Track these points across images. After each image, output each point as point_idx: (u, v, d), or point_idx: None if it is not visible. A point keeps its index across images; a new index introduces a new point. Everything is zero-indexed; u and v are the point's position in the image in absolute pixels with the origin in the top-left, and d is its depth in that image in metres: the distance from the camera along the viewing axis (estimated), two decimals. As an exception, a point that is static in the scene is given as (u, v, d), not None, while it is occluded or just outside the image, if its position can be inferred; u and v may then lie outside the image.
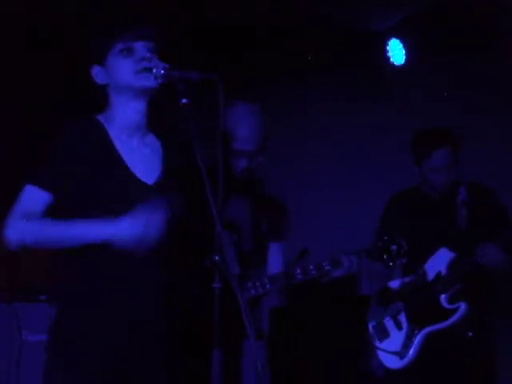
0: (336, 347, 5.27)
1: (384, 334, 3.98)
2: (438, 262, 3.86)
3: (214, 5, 4.82)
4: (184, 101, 2.39)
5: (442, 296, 3.81)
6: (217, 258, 2.38)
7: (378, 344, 3.99)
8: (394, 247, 3.28)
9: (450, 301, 3.80)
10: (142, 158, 2.67)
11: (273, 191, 3.42)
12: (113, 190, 2.59)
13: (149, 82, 2.58)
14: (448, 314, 3.80)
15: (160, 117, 2.80)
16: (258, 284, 3.20)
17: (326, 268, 3.20)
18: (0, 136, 5.63)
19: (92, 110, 2.71)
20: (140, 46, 2.64)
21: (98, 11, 4.79)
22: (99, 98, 2.71)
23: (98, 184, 2.58)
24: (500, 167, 4.42)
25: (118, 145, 2.64)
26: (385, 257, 3.29)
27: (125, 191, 2.60)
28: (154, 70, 2.49)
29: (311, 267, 3.21)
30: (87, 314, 2.60)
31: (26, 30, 5.02)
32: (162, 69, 2.47)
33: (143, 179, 2.64)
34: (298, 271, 3.22)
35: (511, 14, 4.75)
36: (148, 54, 2.61)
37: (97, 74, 2.68)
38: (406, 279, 3.95)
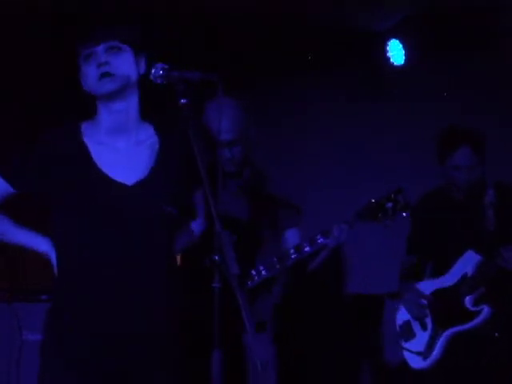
0: (339, 342, 5.29)
1: (410, 333, 3.98)
2: (465, 265, 3.85)
3: (214, 5, 4.82)
4: (183, 101, 2.40)
5: (467, 298, 3.81)
6: (217, 258, 2.38)
7: (403, 344, 3.99)
8: (389, 204, 3.27)
9: (475, 303, 3.80)
10: (126, 159, 2.66)
11: (276, 189, 3.44)
12: (85, 194, 2.61)
13: (110, 86, 2.60)
14: (471, 316, 3.80)
15: (160, 114, 2.80)
16: (261, 268, 3.23)
17: (319, 241, 3.23)
18: (0, 135, 5.63)
19: (90, 111, 2.72)
20: (100, 50, 2.62)
21: (98, 11, 4.80)
22: (89, 103, 2.72)
23: (71, 190, 2.61)
24: (500, 167, 4.41)
25: (95, 149, 2.64)
26: (379, 215, 3.27)
27: (97, 194, 2.61)
28: (153, 71, 2.49)
29: (305, 244, 3.24)
30: (80, 314, 2.60)
31: (27, 29, 5.02)
32: (161, 69, 2.47)
33: (121, 180, 2.62)
34: (292, 251, 3.25)
35: (511, 14, 4.75)
36: (104, 59, 2.60)
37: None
38: (435, 283, 3.95)
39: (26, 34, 5.06)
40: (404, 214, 3.29)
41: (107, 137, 2.67)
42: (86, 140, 2.67)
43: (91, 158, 2.63)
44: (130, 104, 2.67)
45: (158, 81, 2.47)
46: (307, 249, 3.25)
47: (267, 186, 3.42)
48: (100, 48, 2.61)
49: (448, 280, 3.90)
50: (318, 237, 3.25)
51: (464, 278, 3.84)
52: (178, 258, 3.41)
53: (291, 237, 3.44)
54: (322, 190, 5.65)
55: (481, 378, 3.83)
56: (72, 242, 2.64)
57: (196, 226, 2.91)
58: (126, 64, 2.63)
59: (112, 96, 2.62)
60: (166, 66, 2.46)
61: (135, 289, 2.59)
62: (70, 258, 2.64)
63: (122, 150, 2.66)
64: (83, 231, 2.61)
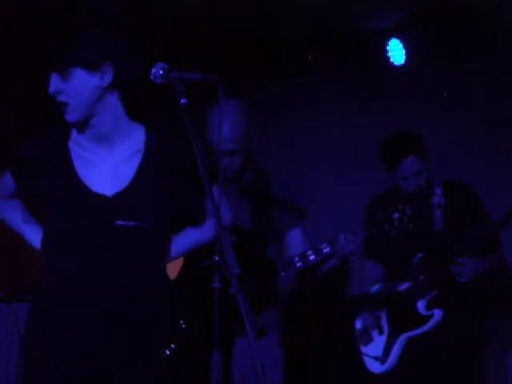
0: (339, 343, 5.28)
1: (368, 338, 3.97)
2: (416, 268, 3.84)
3: (214, 4, 4.82)
4: (183, 101, 2.40)
5: (419, 302, 3.80)
6: (217, 258, 2.38)
7: (362, 349, 3.98)
8: (396, 215, 3.24)
9: (427, 307, 3.78)
10: (108, 170, 2.66)
11: (279, 190, 3.42)
12: (65, 204, 2.63)
13: (71, 117, 2.62)
14: (424, 320, 3.79)
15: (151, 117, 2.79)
16: (285, 264, 3.21)
17: (325, 251, 3.20)
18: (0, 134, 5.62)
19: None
20: (54, 79, 2.62)
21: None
22: None
23: (52, 195, 2.63)
24: (499, 167, 4.41)
25: (77, 155, 2.66)
26: (386, 227, 3.24)
27: (75, 205, 2.62)
28: (154, 71, 2.49)
29: (309, 252, 3.21)
30: (57, 317, 2.62)
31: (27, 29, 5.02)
32: (162, 69, 2.46)
33: (101, 191, 2.62)
34: (296, 259, 3.22)
35: (511, 14, 4.75)
36: (56, 88, 2.59)
37: None
38: (388, 285, 3.93)
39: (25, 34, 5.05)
40: (410, 225, 3.27)
41: (90, 144, 2.68)
42: (70, 145, 2.68)
43: (73, 166, 2.65)
44: (104, 117, 2.66)
45: (158, 81, 2.47)
46: (312, 257, 3.22)
47: (270, 187, 3.40)
48: (53, 76, 2.61)
49: (401, 284, 3.89)
50: (324, 246, 3.21)
51: (416, 282, 3.82)
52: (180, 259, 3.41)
53: (294, 237, 3.41)
54: (321, 190, 5.64)
55: (436, 382, 3.81)
56: (51, 245, 2.68)
57: (207, 229, 2.84)
58: (78, 88, 2.60)
59: (79, 123, 2.64)
60: (167, 66, 2.46)
61: (109, 297, 2.60)
62: (49, 261, 2.68)
63: (103, 161, 2.67)
64: (61, 238, 2.65)
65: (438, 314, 3.76)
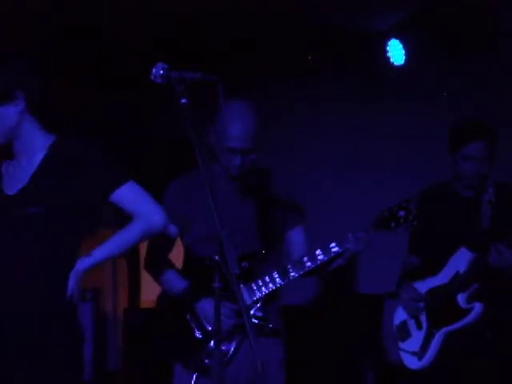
0: (340, 343, 5.29)
1: (406, 333, 3.97)
2: (457, 262, 3.85)
3: (214, 4, 4.82)
4: (183, 101, 2.40)
5: (460, 296, 3.80)
6: (217, 257, 2.38)
7: (400, 344, 3.97)
8: (401, 213, 3.23)
9: (468, 301, 3.79)
10: (16, 177, 2.88)
11: (280, 190, 3.43)
12: None
13: None
14: (464, 313, 3.79)
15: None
16: (275, 275, 3.21)
17: (334, 250, 3.19)
18: None
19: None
20: None
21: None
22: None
23: None
24: (499, 167, 4.40)
25: (5, 169, 2.93)
26: (392, 225, 3.23)
27: None
28: (154, 71, 2.49)
29: (318, 252, 3.21)
30: None
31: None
32: (162, 69, 2.47)
33: (6, 192, 2.87)
34: (305, 259, 3.22)
35: (511, 14, 4.76)
36: None
37: None
38: (431, 282, 3.94)
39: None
40: (415, 223, 3.27)
41: (10, 160, 2.94)
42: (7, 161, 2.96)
43: (2, 178, 2.92)
44: (21, 137, 2.87)
45: (158, 80, 2.47)
46: (321, 257, 3.21)
47: (271, 186, 3.40)
48: None
49: (442, 278, 3.90)
50: (333, 245, 3.21)
51: (457, 275, 3.84)
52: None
53: (297, 236, 3.42)
54: (321, 190, 5.65)
55: (478, 377, 3.82)
56: None
57: (133, 230, 2.92)
58: None
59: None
60: (167, 66, 2.46)
61: (8, 291, 2.78)
62: None
63: (18, 167, 2.90)
64: None
65: (478, 307, 3.76)
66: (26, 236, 2.80)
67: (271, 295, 3.25)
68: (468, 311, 3.78)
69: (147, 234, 2.92)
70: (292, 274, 3.22)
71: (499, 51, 4.93)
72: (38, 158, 2.86)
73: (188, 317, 3.24)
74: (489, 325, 3.80)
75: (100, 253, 2.85)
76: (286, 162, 5.33)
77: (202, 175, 2.34)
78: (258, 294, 3.20)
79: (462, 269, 3.81)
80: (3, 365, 2.77)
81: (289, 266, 3.23)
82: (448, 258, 3.87)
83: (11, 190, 2.87)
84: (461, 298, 3.80)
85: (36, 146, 2.88)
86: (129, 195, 2.86)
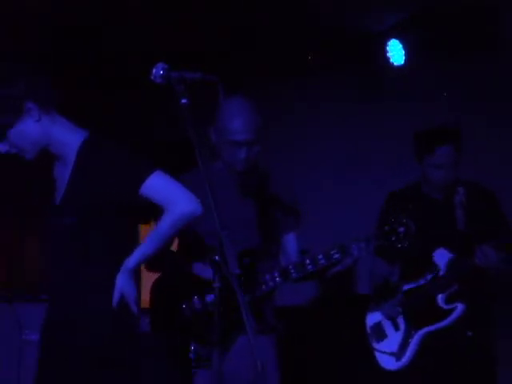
0: (339, 343, 5.29)
1: (381, 334, 3.97)
2: (436, 263, 3.86)
3: (214, 4, 4.82)
4: (183, 101, 2.40)
5: (439, 296, 3.80)
6: (217, 257, 2.38)
7: (374, 345, 3.98)
8: (401, 229, 3.27)
9: (447, 301, 3.79)
10: (61, 182, 2.90)
11: (279, 190, 3.44)
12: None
13: (26, 158, 2.88)
14: (445, 314, 3.79)
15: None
16: (275, 274, 3.23)
17: (335, 256, 3.22)
18: None
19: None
20: None
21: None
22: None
23: None
24: (499, 167, 4.41)
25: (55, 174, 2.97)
26: (393, 239, 3.28)
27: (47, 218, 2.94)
28: (154, 71, 2.49)
29: (320, 256, 3.23)
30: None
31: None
32: (162, 69, 2.47)
33: (55, 202, 2.90)
34: (308, 261, 3.24)
35: (511, 14, 4.75)
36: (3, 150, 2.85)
37: None
38: (404, 280, 3.94)
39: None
40: (412, 240, 3.31)
41: (56, 166, 2.96)
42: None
43: (55, 187, 2.93)
44: (51, 143, 2.86)
45: (158, 81, 2.47)
46: (322, 262, 3.25)
47: (272, 188, 3.42)
48: None
49: (419, 279, 3.89)
50: (334, 252, 3.23)
51: (435, 276, 3.84)
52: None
53: (290, 241, 3.45)
54: (321, 190, 5.65)
55: (456, 377, 3.82)
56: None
57: (165, 220, 2.93)
58: (19, 136, 2.82)
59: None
60: (167, 66, 2.46)
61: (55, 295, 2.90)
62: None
63: (59, 176, 2.92)
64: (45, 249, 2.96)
65: (459, 307, 3.77)
66: (68, 246, 2.81)
67: (268, 293, 3.26)
68: (449, 312, 3.78)
69: (180, 222, 2.86)
70: (293, 275, 3.23)
71: (499, 51, 4.93)
72: (71, 161, 2.84)
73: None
74: (469, 323, 3.80)
75: (139, 253, 2.84)
76: (286, 161, 5.34)
77: (202, 175, 2.34)
78: (258, 293, 3.22)
79: (442, 269, 3.81)
80: (54, 373, 2.78)
81: (290, 267, 3.24)
82: (425, 260, 3.86)
83: (56, 199, 2.89)
84: (441, 299, 3.80)
85: (68, 147, 2.85)
86: (157, 185, 2.81)
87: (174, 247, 3.39)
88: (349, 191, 5.62)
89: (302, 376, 5.19)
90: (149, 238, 2.87)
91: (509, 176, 4.20)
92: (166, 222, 2.82)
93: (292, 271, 3.23)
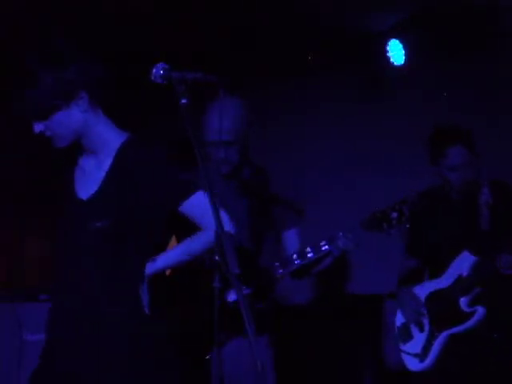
0: (338, 343, 5.29)
1: (407, 335, 3.97)
2: (460, 265, 3.84)
3: (214, 4, 4.82)
4: (183, 101, 2.40)
5: (462, 299, 3.80)
6: (217, 258, 2.38)
7: (401, 346, 3.97)
8: (394, 214, 3.25)
9: (470, 304, 3.79)
10: (89, 177, 2.82)
11: (278, 190, 3.43)
12: (63, 207, 2.89)
13: (55, 145, 2.80)
14: (466, 317, 3.79)
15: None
16: (283, 261, 3.22)
17: (324, 248, 3.21)
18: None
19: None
20: (36, 125, 2.79)
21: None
22: None
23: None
24: (499, 167, 4.41)
25: (76, 169, 2.89)
26: (385, 226, 3.25)
27: (66, 206, 2.86)
28: (154, 71, 2.49)
29: (308, 249, 3.22)
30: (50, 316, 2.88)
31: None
32: (162, 69, 2.47)
33: (80, 196, 2.82)
34: (295, 256, 3.23)
35: (511, 14, 4.76)
36: (38, 129, 2.76)
37: None
38: (432, 285, 3.94)
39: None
40: (408, 225, 3.28)
41: (82, 158, 2.88)
42: (77, 161, 2.90)
43: (73, 179, 2.87)
44: (88, 136, 2.79)
45: (159, 81, 2.46)
46: (310, 255, 3.23)
47: (269, 186, 3.41)
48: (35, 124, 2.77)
49: (444, 281, 3.89)
50: (323, 243, 3.22)
51: (459, 278, 3.83)
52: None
53: (291, 238, 3.43)
54: (322, 190, 5.65)
55: (478, 380, 3.81)
56: (53, 251, 2.87)
57: (200, 240, 2.86)
58: (58, 123, 2.74)
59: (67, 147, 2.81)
60: (167, 66, 2.46)
61: (82, 298, 2.75)
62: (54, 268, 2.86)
63: (89, 170, 2.84)
64: (57, 243, 2.85)
65: (480, 311, 3.76)
66: (94, 250, 2.74)
67: (264, 295, 3.26)
68: (470, 315, 3.78)
69: (214, 244, 2.84)
70: (280, 271, 3.23)
71: (499, 51, 4.93)
72: (108, 161, 2.78)
73: None
74: (495, 326, 3.80)
75: (163, 260, 2.80)
76: (285, 161, 5.33)
77: (201, 175, 2.34)
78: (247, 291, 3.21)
79: (465, 272, 3.81)
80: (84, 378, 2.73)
81: (277, 264, 3.24)
82: (449, 262, 3.87)
83: (83, 193, 2.80)
84: (463, 302, 3.80)
85: (106, 146, 2.80)
86: (199, 205, 2.74)
87: (172, 246, 3.40)
88: (348, 191, 5.62)
89: (300, 376, 5.18)
90: (176, 251, 2.85)
91: (509, 176, 4.20)
92: (201, 241, 2.78)
93: (278, 267, 3.22)
